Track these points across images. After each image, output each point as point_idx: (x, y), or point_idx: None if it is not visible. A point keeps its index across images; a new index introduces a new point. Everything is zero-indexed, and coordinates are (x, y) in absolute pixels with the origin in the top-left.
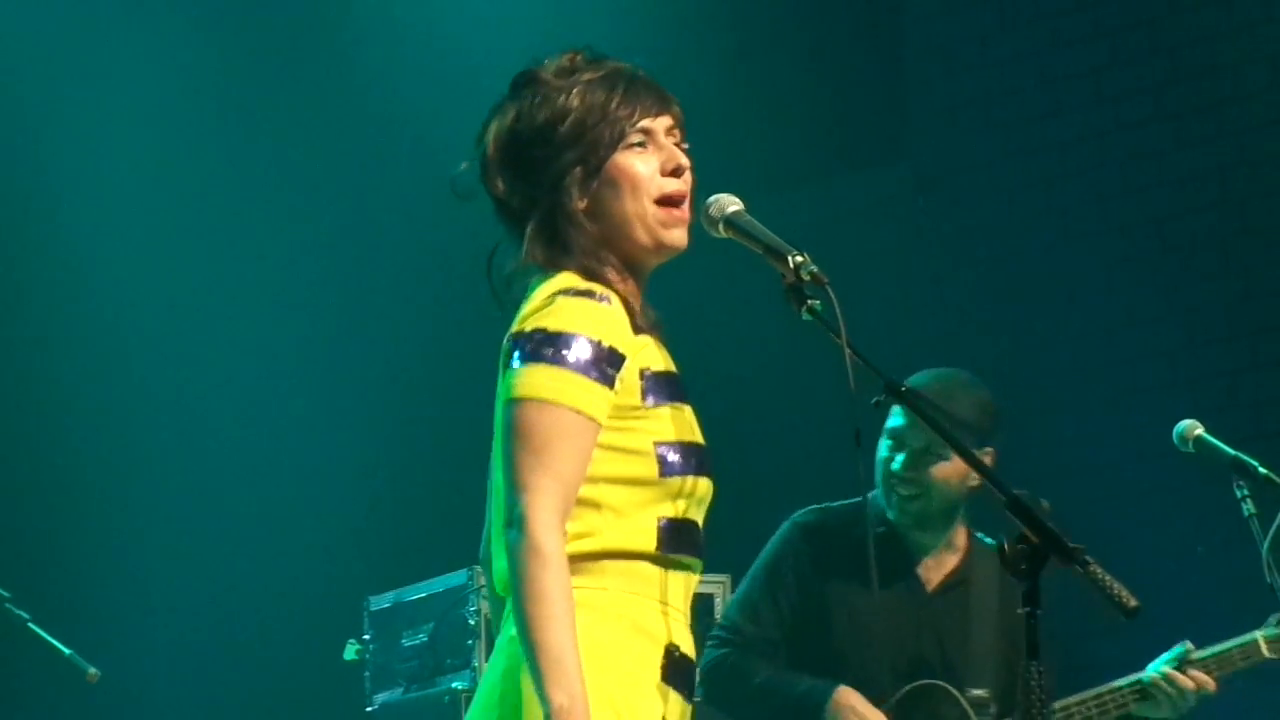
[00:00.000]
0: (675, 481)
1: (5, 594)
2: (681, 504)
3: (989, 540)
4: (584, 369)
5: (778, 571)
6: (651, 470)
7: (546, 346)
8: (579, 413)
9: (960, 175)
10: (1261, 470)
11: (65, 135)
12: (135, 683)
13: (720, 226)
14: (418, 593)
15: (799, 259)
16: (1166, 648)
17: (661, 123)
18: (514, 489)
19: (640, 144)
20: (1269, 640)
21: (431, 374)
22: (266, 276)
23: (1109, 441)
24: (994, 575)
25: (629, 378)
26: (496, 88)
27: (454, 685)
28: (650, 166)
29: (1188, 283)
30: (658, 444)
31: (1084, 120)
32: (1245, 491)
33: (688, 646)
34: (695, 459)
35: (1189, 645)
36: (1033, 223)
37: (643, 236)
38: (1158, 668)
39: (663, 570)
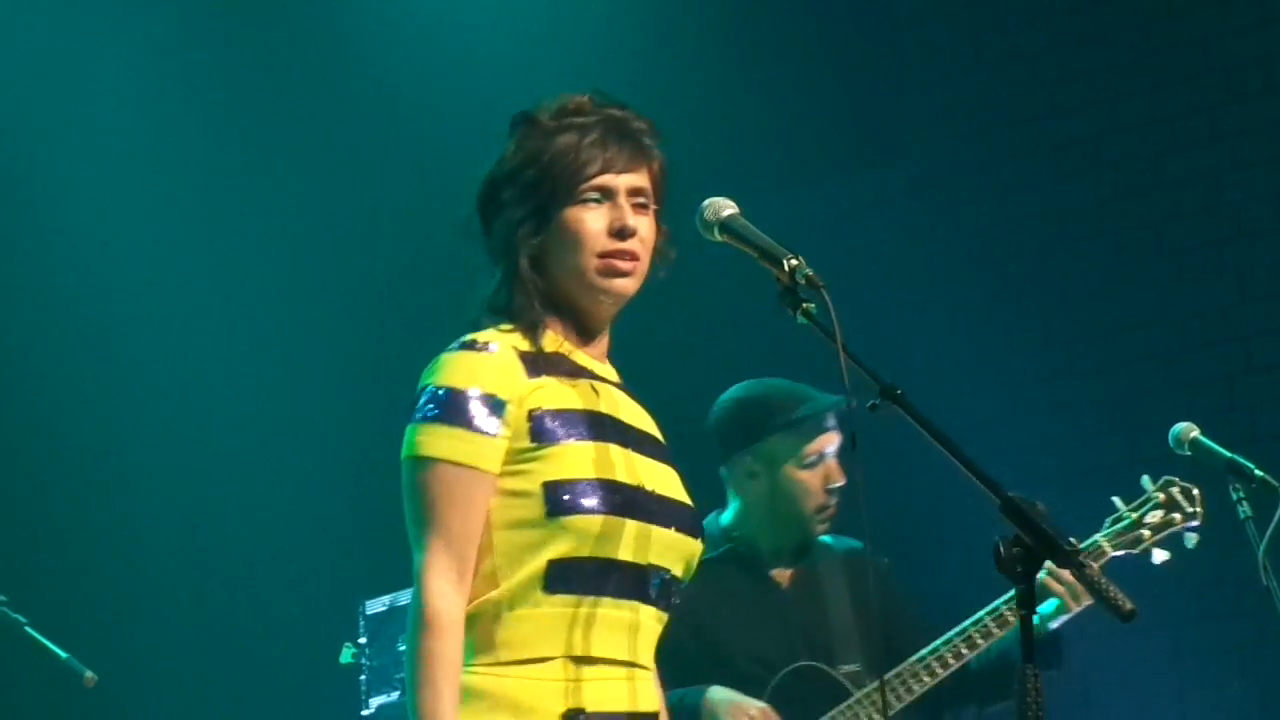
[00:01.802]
0: (572, 520)
1: (2, 597)
2: (583, 543)
3: None
4: (461, 421)
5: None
6: (538, 511)
7: (428, 404)
8: (458, 465)
9: (956, 178)
10: (1258, 473)
11: (63, 134)
12: (132, 686)
13: (715, 230)
14: None
15: (794, 262)
16: (1164, 650)
17: (625, 180)
18: (412, 548)
19: (596, 200)
20: (1109, 538)
21: None
22: (263, 279)
23: (1103, 444)
24: (838, 567)
25: (515, 421)
26: (500, 83)
27: None
28: (598, 224)
29: (1183, 286)
30: (548, 484)
31: (1079, 123)
32: (1241, 494)
33: (606, 702)
34: (613, 496)
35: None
36: (1028, 225)
37: (583, 289)
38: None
39: (571, 615)
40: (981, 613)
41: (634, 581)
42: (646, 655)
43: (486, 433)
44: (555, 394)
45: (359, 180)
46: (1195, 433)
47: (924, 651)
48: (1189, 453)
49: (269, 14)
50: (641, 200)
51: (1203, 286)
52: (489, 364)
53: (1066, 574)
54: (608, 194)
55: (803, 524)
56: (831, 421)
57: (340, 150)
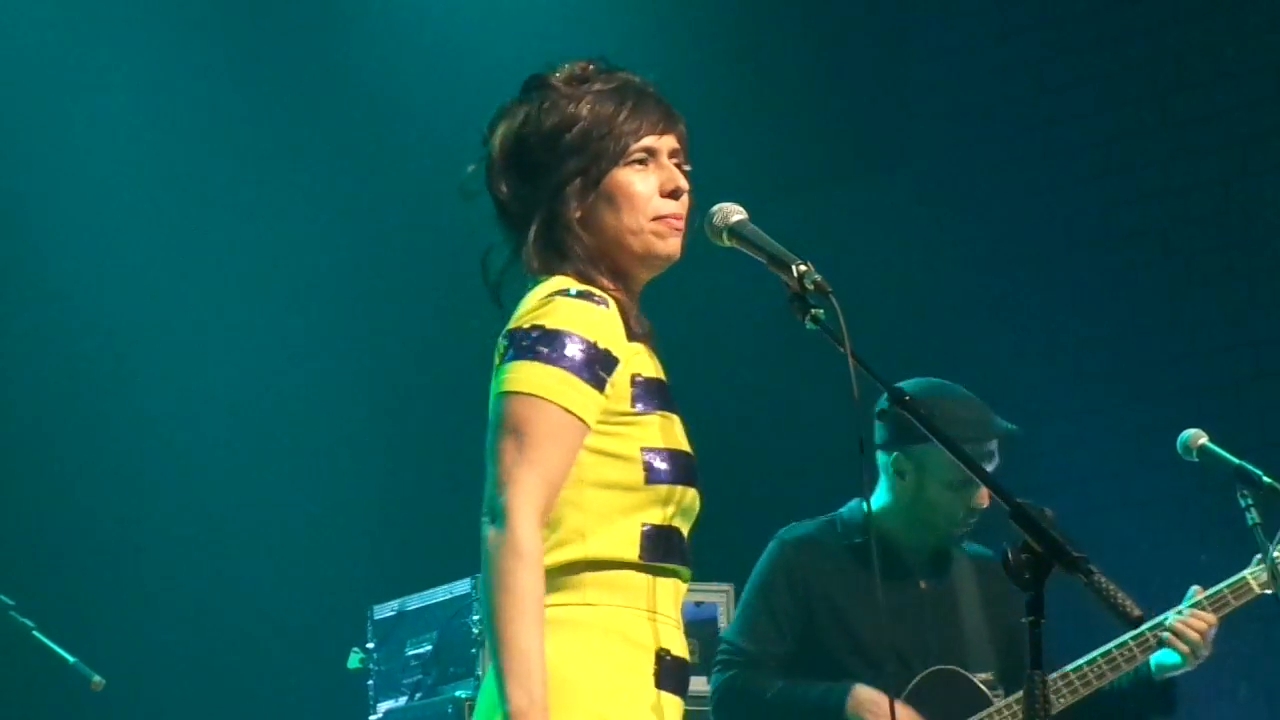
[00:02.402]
0: (661, 489)
1: (9, 602)
2: (667, 511)
3: None
4: (577, 369)
5: (772, 588)
6: (637, 476)
7: (541, 344)
8: (568, 411)
9: (963, 183)
10: (1265, 479)
11: (65, 133)
12: (139, 691)
13: (724, 235)
14: (421, 601)
15: (803, 268)
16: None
17: (666, 142)
18: (497, 482)
19: (641, 161)
20: (1256, 577)
21: (436, 382)
22: (268, 283)
23: (1112, 450)
24: (970, 575)
25: (620, 382)
26: (499, 82)
27: (457, 694)
28: (649, 185)
29: (1191, 291)
30: (644, 450)
31: (1087, 128)
32: (1249, 500)
33: (679, 649)
34: (682, 468)
35: (1197, 589)
36: (1035, 231)
37: (635, 248)
38: (1171, 616)
39: (649, 578)
40: (1127, 635)
41: (680, 547)
42: (679, 614)
43: (597, 387)
44: (645, 361)
45: (364, 181)
46: (1204, 439)
47: (1067, 668)
48: (1197, 459)
49: (270, 14)
50: (678, 161)
51: (1211, 292)
52: (607, 319)
53: (1193, 632)
54: (653, 154)
55: (938, 533)
56: (992, 446)
57: (345, 150)
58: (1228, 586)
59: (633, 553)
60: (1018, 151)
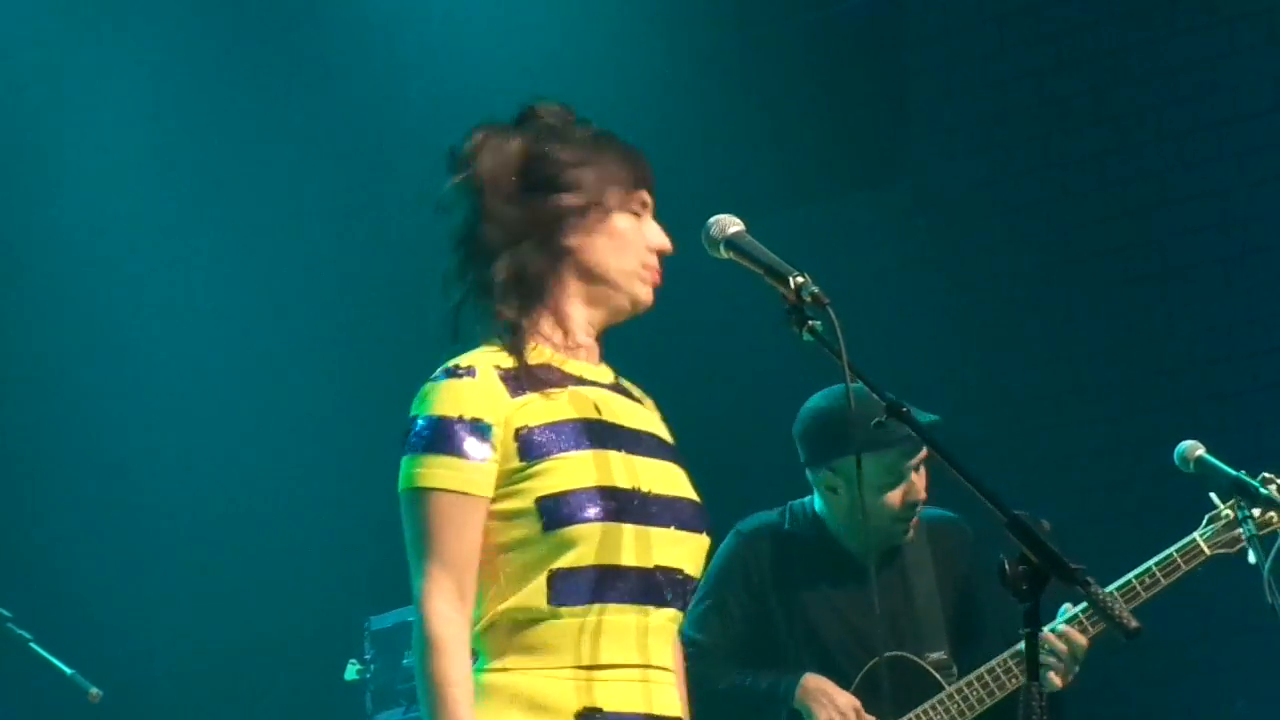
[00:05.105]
0: (569, 531)
1: (7, 614)
2: (583, 553)
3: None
4: (449, 449)
5: (726, 582)
6: (534, 528)
7: (414, 435)
8: (450, 492)
9: (961, 195)
10: (1263, 491)
11: (66, 132)
12: (137, 703)
13: (721, 247)
14: None
15: (800, 280)
16: (1164, 666)
17: (650, 199)
18: (412, 576)
19: (637, 212)
20: (1207, 539)
21: None
22: (266, 294)
23: (1109, 461)
24: (923, 543)
25: (502, 443)
26: (499, 86)
27: None
28: (641, 236)
29: (1190, 303)
30: (542, 499)
31: (1084, 140)
32: (1246, 512)
33: (618, 703)
34: (609, 503)
35: (1068, 605)
36: (1033, 243)
37: (623, 287)
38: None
39: (579, 624)
40: (1076, 609)
41: (641, 586)
42: (662, 657)
43: (475, 459)
44: (542, 408)
45: (368, 182)
46: (1200, 451)
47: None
48: (1194, 470)
49: (271, 15)
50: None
51: (1209, 304)
52: (471, 390)
53: (1061, 645)
54: (645, 208)
55: (882, 535)
56: (914, 441)
57: (347, 151)
58: (1177, 550)
59: (539, 600)
60: (1016, 164)
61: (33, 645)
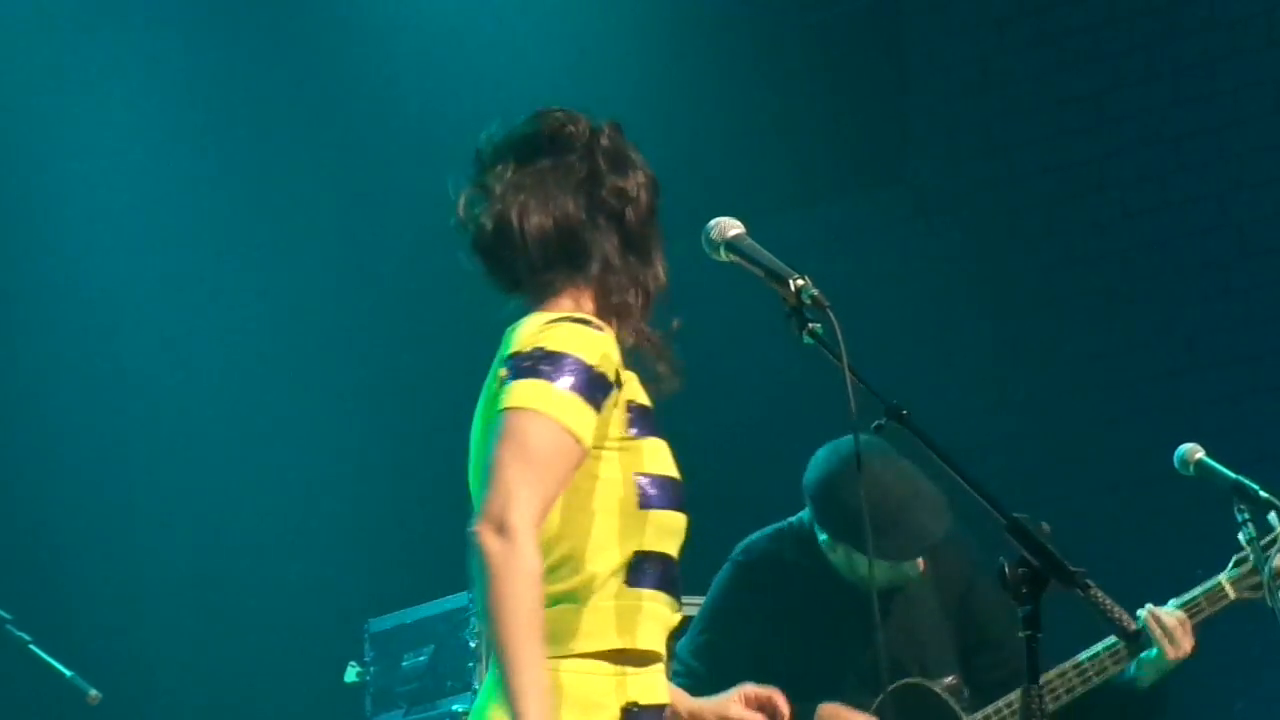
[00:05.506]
0: (658, 515)
1: (7, 616)
2: (659, 538)
3: None
4: (578, 389)
5: (726, 612)
6: (630, 501)
7: (544, 364)
8: (569, 431)
9: (960, 198)
10: (1262, 494)
11: (66, 134)
12: (136, 704)
13: (721, 250)
14: (418, 615)
15: (800, 282)
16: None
17: None
18: (496, 493)
19: None
20: (1232, 581)
21: (434, 396)
22: (264, 296)
23: (1109, 464)
24: (924, 569)
25: (617, 406)
26: (500, 88)
27: (454, 708)
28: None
29: (1189, 306)
30: (640, 475)
31: (1084, 143)
32: (1246, 515)
33: (650, 695)
34: (672, 494)
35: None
36: (1033, 245)
37: (652, 292)
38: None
39: (637, 606)
40: (1098, 647)
41: (671, 574)
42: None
43: (596, 409)
44: (637, 387)
45: (369, 183)
46: (1200, 454)
47: (1065, 665)
48: (1194, 473)
49: (271, 14)
50: None
51: (1209, 306)
52: (604, 344)
53: (1169, 619)
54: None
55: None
56: (919, 549)
57: (348, 152)
58: (1203, 592)
59: (619, 580)
60: (1015, 167)
61: (32, 647)
